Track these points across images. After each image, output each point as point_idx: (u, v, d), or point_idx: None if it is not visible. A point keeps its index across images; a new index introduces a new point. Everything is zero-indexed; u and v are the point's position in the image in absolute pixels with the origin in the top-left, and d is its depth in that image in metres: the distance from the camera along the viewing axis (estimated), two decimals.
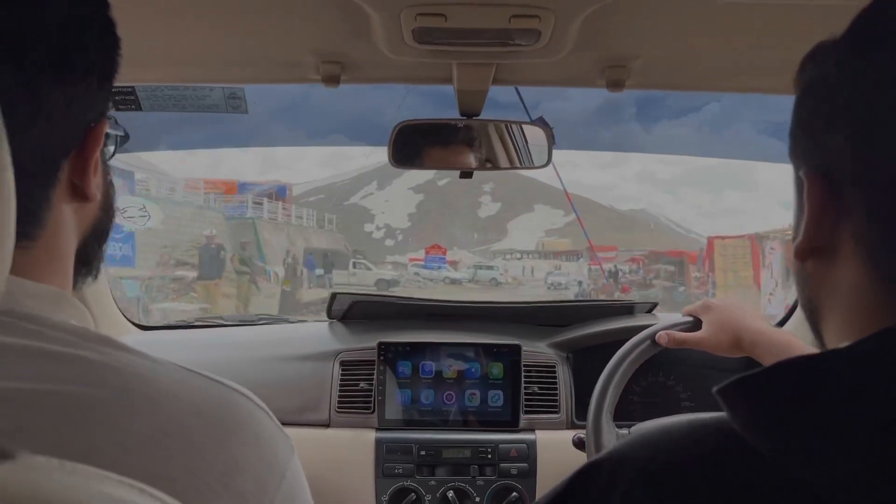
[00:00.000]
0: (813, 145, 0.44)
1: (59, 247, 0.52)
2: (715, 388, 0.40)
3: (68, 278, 0.54)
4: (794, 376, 0.38)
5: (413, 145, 1.20)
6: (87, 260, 0.57)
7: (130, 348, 0.48)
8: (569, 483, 0.44)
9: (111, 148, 0.61)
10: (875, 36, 0.41)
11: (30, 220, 0.49)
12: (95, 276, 0.60)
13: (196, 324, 1.90)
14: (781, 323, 1.60)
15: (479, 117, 1.14)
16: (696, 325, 1.15)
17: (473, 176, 1.26)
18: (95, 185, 0.53)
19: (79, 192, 0.53)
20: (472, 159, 1.25)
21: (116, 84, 0.58)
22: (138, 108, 1.12)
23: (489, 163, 1.26)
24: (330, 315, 1.63)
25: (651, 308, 1.60)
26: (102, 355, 0.46)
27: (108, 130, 0.59)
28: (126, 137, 0.67)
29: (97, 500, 0.38)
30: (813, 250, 0.44)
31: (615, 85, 1.04)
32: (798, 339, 1.03)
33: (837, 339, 0.44)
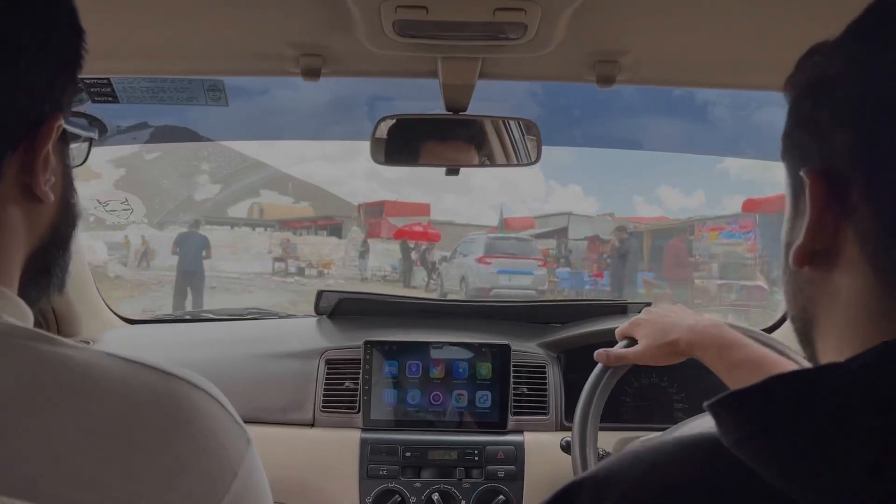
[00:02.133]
0: (814, 143, 0.42)
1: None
2: (705, 403, 0.39)
3: (10, 280, 0.50)
4: (787, 391, 0.36)
5: (402, 140, 1.16)
6: (46, 266, 0.54)
7: (65, 342, 0.45)
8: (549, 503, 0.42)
9: (75, 150, 0.57)
10: (884, 29, 0.39)
11: None
12: (61, 286, 0.56)
13: (184, 318, 1.88)
14: (770, 330, 1.56)
15: (465, 113, 1.11)
16: (634, 343, 1.08)
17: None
18: (47, 183, 0.50)
19: (30, 194, 0.49)
20: (467, 156, 1.21)
21: (91, 76, 0.55)
22: (115, 100, 1.09)
23: (486, 159, 1.22)
24: (317, 311, 1.60)
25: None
26: (30, 352, 0.43)
27: (78, 131, 0.56)
28: (104, 130, 0.63)
29: None
30: (812, 254, 0.41)
31: (605, 80, 1.01)
32: (727, 327, 0.98)
33: (834, 352, 0.42)
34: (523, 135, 1.17)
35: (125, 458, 0.41)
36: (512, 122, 1.16)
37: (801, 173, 0.42)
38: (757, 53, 0.96)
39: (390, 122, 1.12)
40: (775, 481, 0.34)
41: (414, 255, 13.92)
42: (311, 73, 1.00)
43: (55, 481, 0.39)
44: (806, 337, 0.45)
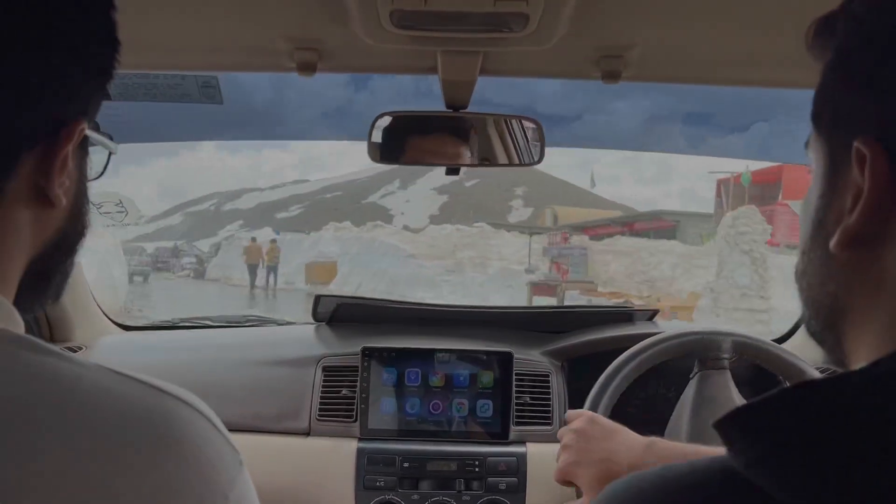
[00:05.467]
0: (872, 108, 0.37)
1: (2, 250, 0.47)
2: (713, 422, 0.35)
3: (7, 284, 0.48)
4: (802, 405, 0.32)
5: (398, 138, 1.13)
6: (47, 273, 0.52)
7: (52, 350, 0.43)
8: None
9: (94, 162, 0.56)
10: None
11: None
12: (57, 296, 0.55)
13: (181, 324, 1.84)
14: (782, 339, 1.51)
15: (466, 110, 1.08)
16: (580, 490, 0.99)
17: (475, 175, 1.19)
18: (61, 187, 0.48)
19: (42, 196, 0.48)
20: (467, 155, 1.17)
21: None
22: (106, 97, 1.06)
23: (486, 160, 1.19)
24: (315, 317, 1.56)
25: (652, 315, 1.53)
26: (14, 360, 0.41)
27: (102, 140, 0.55)
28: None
29: None
30: (861, 236, 0.37)
31: (610, 76, 0.97)
32: (658, 442, 0.91)
33: (874, 343, 0.37)
34: (525, 134, 1.14)
35: (109, 479, 0.39)
36: (514, 121, 1.12)
37: (857, 144, 0.36)
38: (774, 47, 0.91)
39: (389, 119, 1.09)
40: None
41: None
42: (307, 68, 0.97)
43: (35, 499, 0.37)
44: (833, 326, 0.41)
